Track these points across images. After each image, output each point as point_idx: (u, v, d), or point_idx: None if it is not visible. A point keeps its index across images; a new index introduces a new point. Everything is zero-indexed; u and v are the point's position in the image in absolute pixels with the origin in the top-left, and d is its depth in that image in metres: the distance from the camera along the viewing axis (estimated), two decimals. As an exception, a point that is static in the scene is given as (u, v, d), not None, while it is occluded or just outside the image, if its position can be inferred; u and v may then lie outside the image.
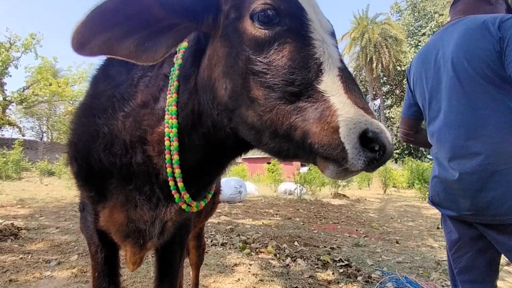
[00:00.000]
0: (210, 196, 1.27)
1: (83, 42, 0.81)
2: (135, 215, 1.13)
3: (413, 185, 15.12)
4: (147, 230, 1.15)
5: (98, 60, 1.30)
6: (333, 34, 0.89)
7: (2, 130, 29.22)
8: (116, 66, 1.17)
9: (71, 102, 30.44)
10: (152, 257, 2.73)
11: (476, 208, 1.40)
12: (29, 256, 3.69)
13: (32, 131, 39.08)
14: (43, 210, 6.92)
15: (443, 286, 3.29)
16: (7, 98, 27.94)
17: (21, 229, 4.84)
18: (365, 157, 0.68)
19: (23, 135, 32.89)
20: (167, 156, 1.00)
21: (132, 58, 0.87)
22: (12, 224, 5.02)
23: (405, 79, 2.04)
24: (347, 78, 0.78)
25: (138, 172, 1.08)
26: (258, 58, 0.81)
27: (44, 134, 39.87)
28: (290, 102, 0.76)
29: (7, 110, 29.43)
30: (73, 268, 3.38)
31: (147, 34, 0.87)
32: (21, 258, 3.62)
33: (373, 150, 0.69)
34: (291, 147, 0.79)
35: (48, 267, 3.39)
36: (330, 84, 0.76)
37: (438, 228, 6.88)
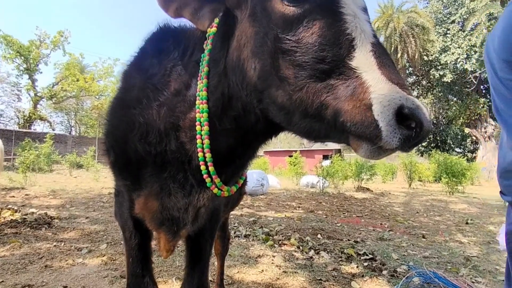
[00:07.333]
0: (241, 181, 1.27)
1: (165, 6, 0.95)
2: (169, 203, 1.16)
3: (440, 179, 14.64)
4: (180, 217, 1.17)
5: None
6: (365, 10, 0.85)
7: (34, 125, 30.63)
8: (148, 59, 1.19)
9: (97, 97, 31.51)
10: (178, 247, 2.79)
11: None
12: (62, 244, 3.88)
13: (62, 125, 40.70)
14: (73, 200, 7.26)
15: (473, 282, 3.18)
16: (38, 94, 29.23)
17: (54, 218, 5.10)
18: (400, 134, 0.66)
19: (53, 130, 34.26)
20: (198, 141, 1.01)
21: (193, 23, 0.98)
22: (46, 213, 5.30)
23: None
24: (381, 54, 0.75)
25: (172, 160, 1.10)
26: (287, 37, 0.80)
27: (73, 128, 41.42)
28: (321, 80, 0.75)
29: (38, 106, 30.81)
30: (103, 256, 3.52)
31: (194, 6, 0.96)
32: (55, 245, 3.81)
33: (410, 128, 0.66)
34: (322, 126, 0.78)
35: (80, 255, 3.55)
36: (362, 60, 0.73)
37: (467, 223, 6.66)
